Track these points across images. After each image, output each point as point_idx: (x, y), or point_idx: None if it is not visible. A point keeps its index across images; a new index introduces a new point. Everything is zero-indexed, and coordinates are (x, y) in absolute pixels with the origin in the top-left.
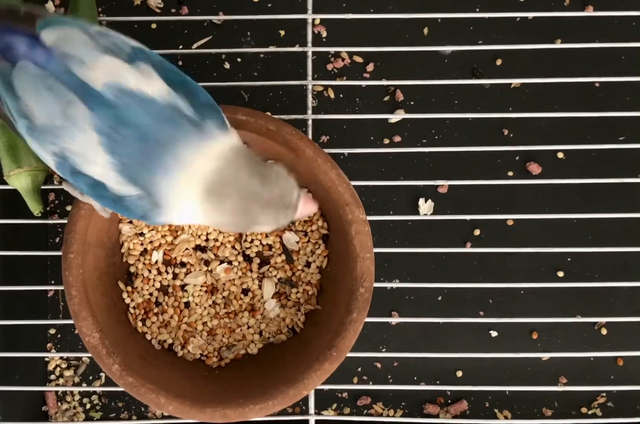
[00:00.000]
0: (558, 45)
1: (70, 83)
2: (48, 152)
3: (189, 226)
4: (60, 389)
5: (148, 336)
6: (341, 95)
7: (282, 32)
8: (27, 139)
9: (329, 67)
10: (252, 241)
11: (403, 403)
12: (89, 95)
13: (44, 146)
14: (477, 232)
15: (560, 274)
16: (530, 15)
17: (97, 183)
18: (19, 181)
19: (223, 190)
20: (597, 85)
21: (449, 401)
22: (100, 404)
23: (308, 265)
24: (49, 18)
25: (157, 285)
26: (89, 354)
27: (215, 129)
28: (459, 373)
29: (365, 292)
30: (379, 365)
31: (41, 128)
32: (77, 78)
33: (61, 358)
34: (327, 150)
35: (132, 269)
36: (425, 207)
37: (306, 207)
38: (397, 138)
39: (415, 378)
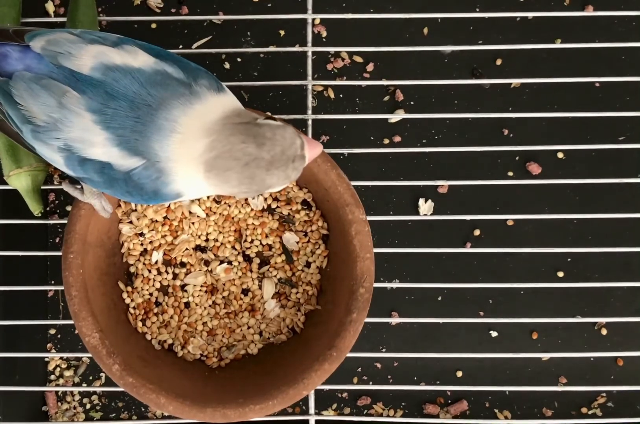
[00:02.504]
0: (558, 45)
1: (62, 77)
2: (54, 150)
3: (189, 227)
4: (60, 389)
5: (148, 337)
6: (341, 95)
7: (282, 32)
8: (34, 144)
9: (329, 67)
10: (252, 241)
11: (403, 403)
12: (79, 81)
13: (50, 145)
14: (477, 232)
15: (560, 274)
16: (530, 15)
17: (104, 166)
18: (19, 181)
19: (222, 164)
20: (597, 85)
21: (449, 401)
22: (100, 404)
23: (308, 265)
24: (36, 31)
25: (157, 285)
26: (89, 355)
27: (207, 89)
28: (459, 373)
29: (365, 292)
30: (379, 365)
31: (44, 128)
32: (67, 70)
33: (61, 358)
34: (327, 150)
35: (132, 269)
36: (425, 207)
37: (313, 151)
38: (397, 138)
39: (415, 378)
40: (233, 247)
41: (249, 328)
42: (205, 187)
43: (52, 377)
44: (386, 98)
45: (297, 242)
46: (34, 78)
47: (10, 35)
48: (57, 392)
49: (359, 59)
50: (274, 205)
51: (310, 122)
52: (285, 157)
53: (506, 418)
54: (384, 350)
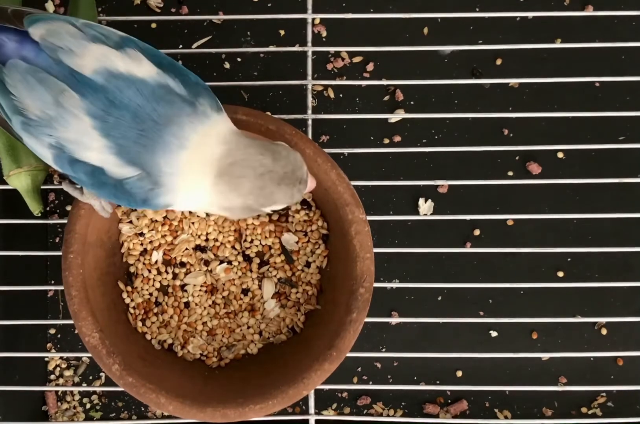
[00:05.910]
0: (558, 45)
1: (61, 74)
2: (44, 145)
3: (189, 226)
4: (60, 389)
5: (148, 336)
6: (341, 95)
7: (282, 32)
8: (23, 135)
9: (329, 66)
10: (252, 241)
11: (403, 403)
12: (80, 82)
13: (39, 140)
14: (477, 232)
15: (560, 274)
16: (530, 15)
17: (96, 170)
18: (19, 181)
19: (236, 170)
20: (597, 85)
21: (449, 401)
22: (100, 404)
23: (308, 265)
24: (36, 15)
25: (157, 285)
26: (89, 355)
27: (209, 109)
28: (459, 373)
29: (365, 292)
30: (379, 365)
31: (36, 122)
32: (67, 68)
33: (61, 358)
34: (327, 150)
35: (132, 269)
36: (425, 207)
37: (311, 183)
38: (397, 138)
39: (415, 378)
40: (233, 247)
41: (248, 328)
42: (207, 197)
43: (52, 377)
44: (386, 98)
45: (297, 242)
46: (30, 70)
47: (8, 16)
48: (57, 392)
49: (359, 59)
50: None
51: (310, 122)
52: (294, 176)
53: (506, 417)
54: (384, 350)
